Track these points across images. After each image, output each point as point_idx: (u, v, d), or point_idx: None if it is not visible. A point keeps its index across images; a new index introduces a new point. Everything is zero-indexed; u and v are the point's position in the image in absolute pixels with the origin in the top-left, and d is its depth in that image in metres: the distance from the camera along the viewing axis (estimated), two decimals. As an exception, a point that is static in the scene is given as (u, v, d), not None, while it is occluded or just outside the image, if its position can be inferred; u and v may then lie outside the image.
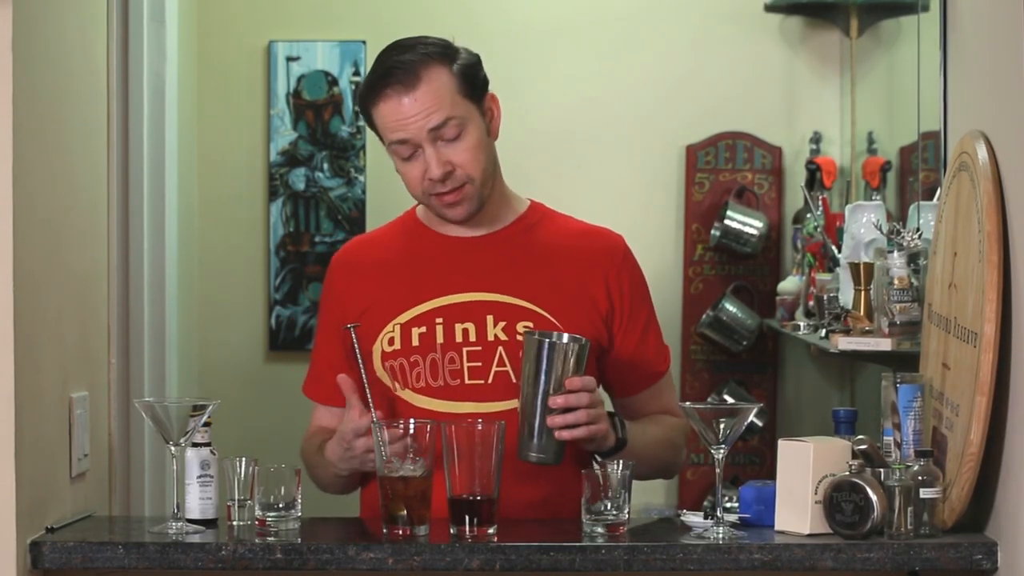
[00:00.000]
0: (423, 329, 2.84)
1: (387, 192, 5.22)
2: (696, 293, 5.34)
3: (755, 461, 5.26)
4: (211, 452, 2.75)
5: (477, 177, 2.80)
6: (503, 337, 2.83)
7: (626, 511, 2.62)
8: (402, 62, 2.78)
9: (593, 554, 2.54)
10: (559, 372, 2.68)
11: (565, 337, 2.70)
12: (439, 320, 2.84)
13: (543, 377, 2.68)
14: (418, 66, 2.77)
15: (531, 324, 2.83)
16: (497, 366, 2.82)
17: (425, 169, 2.78)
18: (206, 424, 2.72)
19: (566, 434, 2.66)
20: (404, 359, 2.84)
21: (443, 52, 2.80)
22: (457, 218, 2.85)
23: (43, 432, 2.67)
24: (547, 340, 2.69)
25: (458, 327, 2.84)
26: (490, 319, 2.84)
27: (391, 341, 2.85)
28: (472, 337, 2.83)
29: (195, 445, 2.72)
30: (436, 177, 2.78)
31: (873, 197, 4.70)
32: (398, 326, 2.85)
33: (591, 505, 2.62)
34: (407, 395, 2.84)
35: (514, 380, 2.79)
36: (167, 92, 4.45)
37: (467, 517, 2.60)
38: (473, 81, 2.82)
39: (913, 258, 3.16)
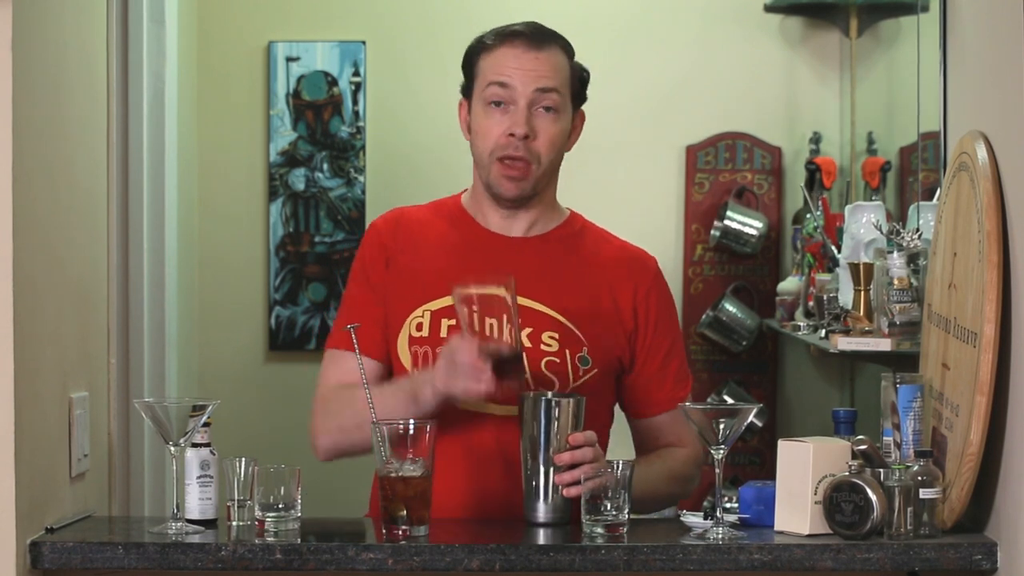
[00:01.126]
0: (453, 321, 2.83)
1: (387, 192, 5.22)
2: (696, 293, 5.34)
3: (755, 461, 5.26)
4: (211, 452, 2.74)
5: (544, 162, 2.84)
6: (527, 344, 2.83)
7: (626, 511, 2.62)
8: (536, 28, 2.87)
9: (593, 554, 2.54)
10: (560, 430, 2.68)
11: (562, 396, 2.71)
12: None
13: (544, 437, 2.68)
14: (548, 38, 2.87)
15: (556, 335, 2.84)
16: None
17: (509, 126, 2.81)
18: (206, 424, 2.72)
19: (574, 491, 2.65)
20: (430, 348, 2.84)
21: (567, 45, 2.90)
22: (508, 194, 2.85)
23: (43, 432, 2.67)
24: (545, 398, 2.69)
25: (487, 322, 2.83)
26: None
27: (419, 326, 2.85)
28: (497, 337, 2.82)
29: (195, 445, 2.72)
30: (519, 135, 2.80)
31: (873, 197, 4.70)
32: (428, 312, 2.85)
33: (591, 505, 2.61)
34: None
35: (532, 387, 2.78)
36: (167, 92, 4.45)
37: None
38: (580, 84, 2.90)
39: (913, 258, 3.16)
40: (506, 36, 2.85)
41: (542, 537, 2.62)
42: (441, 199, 2.99)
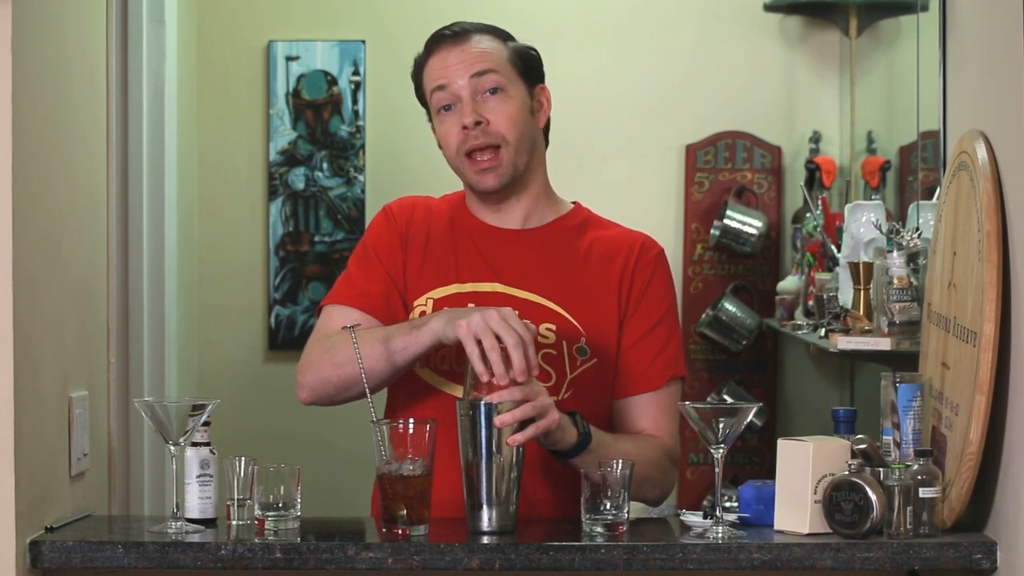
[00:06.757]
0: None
1: (387, 192, 5.22)
2: (696, 293, 5.34)
3: (755, 461, 5.26)
4: (211, 452, 2.75)
5: (511, 140, 2.83)
6: None
7: (626, 511, 2.62)
8: (460, 26, 2.88)
9: (593, 554, 2.54)
10: (492, 436, 2.60)
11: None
12: (470, 306, 2.82)
13: (477, 441, 2.60)
14: (471, 31, 2.87)
15: (553, 327, 2.82)
16: None
17: (459, 120, 2.82)
18: (206, 424, 2.72)
19: (519, 437, 2.61)
20: None
21: (499, 31, 2.90)
22: (488, 186, 2.84)
23: (43, 432, 2.67)
24: (474, 403, 2.60)
25: None
26: None
27: (423, 315, 2.84)
28: None
29: (195, 445, 2.72)
30: (468, 124, 2.80)
31: (872, 197, 4.70)
32: (431, 300, 2.84)
33: (591, 505, 2.61)
34: (426, 375, 2.83)
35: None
36: (167, 92, 4.45)
37: None
38: (526, 62, 2.89)
39: (912, 258, 3.16)
40: (433, 44, 2.88)
41: (538, 536, 2.62)
42: (451, 193, 3.00)
